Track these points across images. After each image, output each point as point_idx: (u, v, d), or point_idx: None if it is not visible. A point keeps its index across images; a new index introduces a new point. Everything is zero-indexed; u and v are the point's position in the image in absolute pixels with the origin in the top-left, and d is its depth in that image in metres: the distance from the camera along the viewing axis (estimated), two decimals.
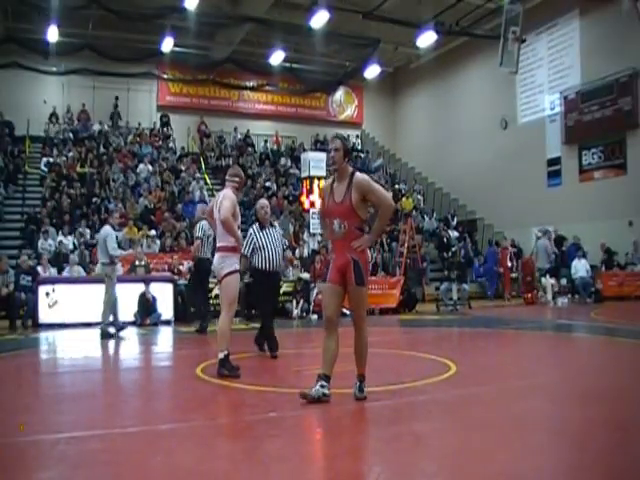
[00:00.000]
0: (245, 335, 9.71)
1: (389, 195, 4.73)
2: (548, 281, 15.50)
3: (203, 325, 9.98)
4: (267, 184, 20.60)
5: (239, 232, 5.85)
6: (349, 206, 4.42)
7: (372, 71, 22.21)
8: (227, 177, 6.06)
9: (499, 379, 5.69)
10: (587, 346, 8.46)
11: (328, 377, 4.49)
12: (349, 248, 4.45)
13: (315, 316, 12.82)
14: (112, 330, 9.51)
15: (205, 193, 18.99)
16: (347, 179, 4.50)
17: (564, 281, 15.74)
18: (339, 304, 4.63)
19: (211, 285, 12.29)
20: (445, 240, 18.64)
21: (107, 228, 9.76)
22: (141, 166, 19.34)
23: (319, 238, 15.95)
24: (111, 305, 9.57)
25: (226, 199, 5.70)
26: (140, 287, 11.62)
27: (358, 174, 4.53)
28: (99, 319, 9.64)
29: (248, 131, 24.08)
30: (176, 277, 12.76)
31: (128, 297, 11.09)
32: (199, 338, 10.00)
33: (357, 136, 26.26)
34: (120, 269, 10.60)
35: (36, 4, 16.87)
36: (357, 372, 4.60)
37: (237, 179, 5.95)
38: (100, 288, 11.74)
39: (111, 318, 9.56)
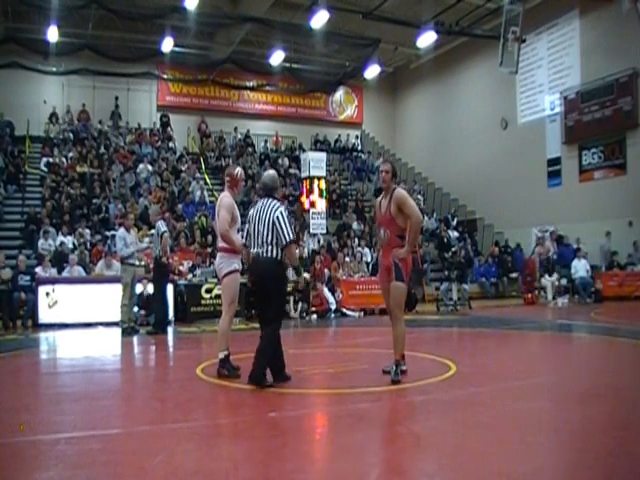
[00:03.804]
0: (245, 335, 9.72)
1: (419, 211, 5.48)
2: (548, 280, 15.54)
3: (162, 326, 10.12)
4: None
5: (239, 236, 5.85)
6: (389, 216, 5.35)
7: (372, 71, 22.20)
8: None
9: (499, 379, 5.69)
10: (587, 346, 8.46)
11: (402, 356, 5.41)
12: (392, 253, 5.33)
13: (315, 316, 12.79)
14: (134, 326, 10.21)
15: (205, 193, 18.99)
16: (390, 194, 5.40)
17: (564, 281, 15.75)
18: None
19: (211, 285, 12.37)
20: (445, 240, 18.64)
21: (120, 230, 10.39)
22: (141, 166, 19.34)
23: (320, 238, 15.96)
24: (126, 305, 9.97)
25: (222, 208, 5.67)
26: (140, 287, 11.62)
27: (397, 189, 5.44)
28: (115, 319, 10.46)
29: (248, 131, 24.08)
30: (176, 277, 12.77)
31: None
32: (198, 338, 10.02)
33: (357, 136, 26.25)
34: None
35: (36, 4, 16.87)
36: (394, 357, 5.30)
37: (227, 177, 5.99)
38: (99, 288, 11.87)
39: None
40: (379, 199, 5.65)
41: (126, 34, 19.74)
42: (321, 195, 15.37)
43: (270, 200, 5.42)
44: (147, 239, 11.73)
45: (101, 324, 11.39)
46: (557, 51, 18.93)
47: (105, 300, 11.52)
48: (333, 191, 20.75)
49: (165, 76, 22.79)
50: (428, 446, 3.64)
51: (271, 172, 5.78)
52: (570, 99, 18.30)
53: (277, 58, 20.99)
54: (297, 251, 5.62)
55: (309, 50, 21.70)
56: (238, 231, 5.83)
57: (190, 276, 13.10)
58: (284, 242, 5.23)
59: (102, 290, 11.74)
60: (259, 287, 5.34)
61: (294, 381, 5.44)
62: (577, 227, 16.75)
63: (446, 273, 14.94)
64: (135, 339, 9.67)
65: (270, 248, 5.25)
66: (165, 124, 22.78)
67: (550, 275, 15.59)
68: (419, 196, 22.35)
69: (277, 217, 5.25)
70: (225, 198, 5.77)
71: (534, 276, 16.32)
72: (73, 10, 17.15)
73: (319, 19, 17.41)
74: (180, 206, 17.41)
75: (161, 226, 10.03)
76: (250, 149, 23.39)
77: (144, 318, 11.41)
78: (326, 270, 13.78)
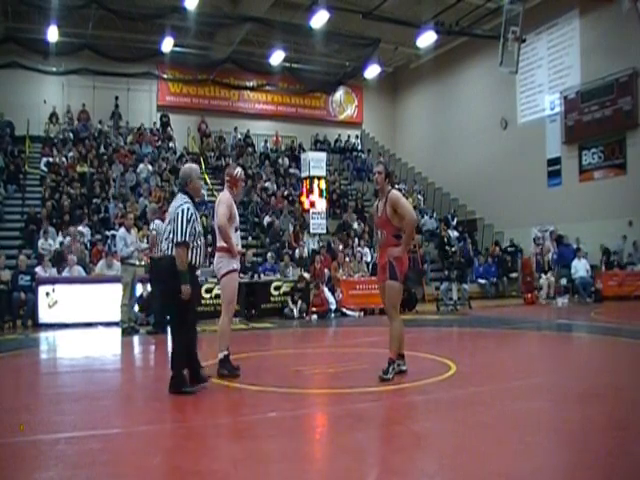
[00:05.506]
0: (245, 335, 9.74)
1: (413, 211, 5.56)
2: (545, 280, 15.56)
3: (162, 326, 10.04)
4: (267, 184, 20.60)
5: (238, 234, 5.93)
6: (385, 217, 5.41)
7: (372, 71, 22.21)
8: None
9: (499, 379, 5.69)
10: (587, 346, 8.46)
11: (402, 356, 5.51)
12: (387, 252, 5.38)
13: (315, 316, 12.77)
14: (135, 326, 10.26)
15: (205, 193, 18.97)
16: (385, 196, 5.45)
17: (564, 281, 15.75)
18: None
19: (211, 285, 12.36)
20: (445, 240, 18.62)
21: (120, 230, 10.46)
22: (141, 166, 19.34)
23: (319, 238, 15.96)
24: (126, 305, 9.97)
25: (221, 204, 5.72)
26: (140, 288, 11.61)
27: (392, 191, 5.48)
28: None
29: (248, 131, 24.08)
30: None
31: None
32: (198, 338, 10.00)
33: (357, 136, 26.26)
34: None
35: (36, 4, 16.88)
36: (389, 356, 5.33)
37: (227, 177, 6.03)
38: (99, 288, 11.87)
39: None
40: (376, 202, 5.74)
41: (126, 34, 19.74)
42: (321, 195, 15.36)
43: (180, 195, 5.22)
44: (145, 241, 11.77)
45: (101, 324, 11.39)
46: (557, 51, 18.93)
47: (105, 300, 11.52)
48: (333, 191, 20.74)
49: (165, 76, 22.80)
50: (428, 446, 3.64)
51: (186, 165, 5.52)
52: (570, 99, 18.30)
53: (277, 58, 21.00)
54: (195, 256, 5.16)
55: (309, 50, 21.70)
56: (236, 230, 5.88)
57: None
58: (175, 240, 4.97)
59: (102, 290, 11.73)
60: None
61: (294, 381, 5.44)
62: (577, 227, 16.74)
63: (446, 273, 14.93)
64: (135, 339, 9.67)
65: (170, 245, 5.04)
66: (165, 124, 22.78)
67: (546, 274, 15.61)
68: (419, 196, 22.36)
69: (177, 213, 5.03)
70: (224, 195, 5.86)
71: (533, 276, 16.33)
72: (73, 10, 17.16)
73: (319, 19, 17.42)
74: None
75: (152, 224, 10.14)
76: (250, 149, 23.40)
77: (144, 318, 11.40)
78: (326, 270, 13.77)
